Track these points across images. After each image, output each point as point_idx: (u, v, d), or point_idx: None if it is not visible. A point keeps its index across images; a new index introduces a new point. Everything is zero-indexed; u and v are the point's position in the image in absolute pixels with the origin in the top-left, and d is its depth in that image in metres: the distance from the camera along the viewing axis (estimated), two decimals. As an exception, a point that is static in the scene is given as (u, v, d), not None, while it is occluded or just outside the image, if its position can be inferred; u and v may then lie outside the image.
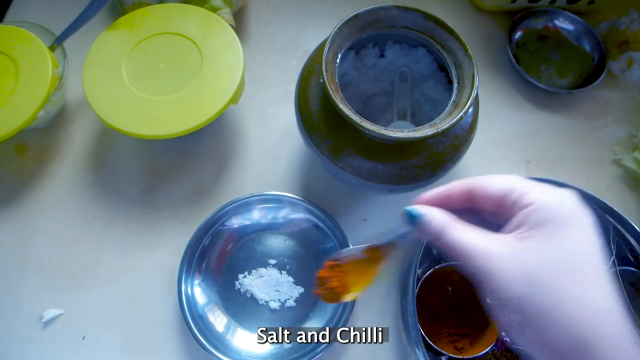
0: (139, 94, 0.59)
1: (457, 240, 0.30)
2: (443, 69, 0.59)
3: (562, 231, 0.28)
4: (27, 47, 0.61)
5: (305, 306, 0.57)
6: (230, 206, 0.58)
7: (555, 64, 0.73)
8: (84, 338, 0.56)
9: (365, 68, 0.61)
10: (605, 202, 0.56)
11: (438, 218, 0.32)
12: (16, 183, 0.64)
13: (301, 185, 0.64)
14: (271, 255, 0.59)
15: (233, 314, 0.56)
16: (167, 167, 0.65)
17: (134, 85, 0.59)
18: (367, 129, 0.46)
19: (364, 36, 0.53)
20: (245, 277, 0.58)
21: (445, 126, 0.46)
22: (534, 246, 0.28)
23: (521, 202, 0.29)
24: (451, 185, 0.33)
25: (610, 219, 0.57)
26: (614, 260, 0.53)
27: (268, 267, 0.58)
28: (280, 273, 0.58)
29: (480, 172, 0.63)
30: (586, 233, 0.28)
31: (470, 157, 0.56)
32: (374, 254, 0.37)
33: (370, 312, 0.57)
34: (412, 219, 0.33)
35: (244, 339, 0.54)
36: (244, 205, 0.59)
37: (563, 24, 0.74)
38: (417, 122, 0.61)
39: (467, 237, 0.30)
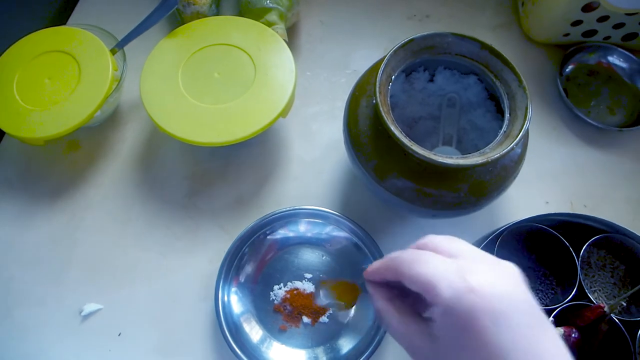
0: (192, 101, 0.61)
1: (387, 328, 0.35)
2: (492, 98, 0.59)
3: (457, 340, 0.30)
4: (90, 49, 0.64)
5: (338, 323, 0.57)
6: (274, 216, 0.59)
7: (605, 100, 0.72)
8: (119, 335, 0.58)
9: (413, 91, 0.62)
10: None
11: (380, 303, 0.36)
12: (67, 178, 0.67)
13: (341, 202, 0.65)
14: (307, 269, 0.59)
15: (266, 325, 0.57)
16: (211, 174, 0.67)
17: (188, 93, 0.61)
18: (417, 153, 0.46)
19: (418, 60, 0.53)
20: (280, 288, 0.58)
21: (495, 156, 0.46)
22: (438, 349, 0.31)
23: (431, 300, 0.31)
24: (383, 268, 0.36)
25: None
26: None
27: (303, 281, 0.58)
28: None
29: (523, 205, 0.64)
30: (479, 340, 0.29)
31: (514, 188, 0.56)
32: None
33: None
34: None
35: (280, 354, 0.55)
36: (288, 217, 0.60)
37: (617, 60, 0.73)
38: (462, 149, 0.61)
39: (393, 326, 0.34)
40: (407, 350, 0.34)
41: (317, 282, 0.57)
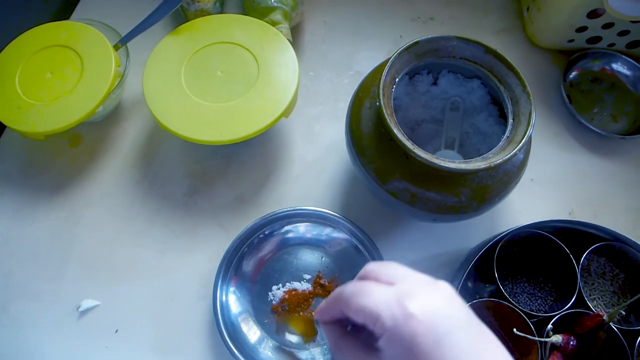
0: (195, 99, 0.60)
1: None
2: (496, 102, 0.58)
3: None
4: (93, 45, 0.64)
5: (336, 325, 0.56)
6: (274, 216, 0.59)
7: (608, 107, 0.72)
8: (116, 331, 0.58)
9: (417, 94, 0.61)
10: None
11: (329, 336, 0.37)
12: (67, 173, 0.66)
13: (341, 204, 0.64)
14: (306, 270, 0.59)
15: (264, 326, 0.56)
16: (212, 172, 0.67)
17: (191, 90, 0.61)
18: (419, 156, 0.46)
19: (422, 63, 0.53)
20: (278, 288, 0.58)
21: (498, 161, 0.45)
22: None
23: (376, 331, 0.32)
24: (330, 306, 0.36)
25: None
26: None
27: (302, 282, 0.58)
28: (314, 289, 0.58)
29: (524, 211, 0.63)
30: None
31: (516, 193, 0.56)
32: None
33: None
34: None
35: (278, 354, 0.55)
36: (288, 217, 0.60)
37: (621, 68, 0.73)
38: (465, 153, 0.61)
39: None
40: None
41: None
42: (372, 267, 0.36)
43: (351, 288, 0.34)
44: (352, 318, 0.34)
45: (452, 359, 0.29)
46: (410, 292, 0.32)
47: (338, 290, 0.35)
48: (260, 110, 0.60)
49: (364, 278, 0.36)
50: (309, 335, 0.49)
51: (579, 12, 0.66)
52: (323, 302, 0.37)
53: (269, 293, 0.58)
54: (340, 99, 0.72)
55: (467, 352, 0.30)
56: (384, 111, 0.48)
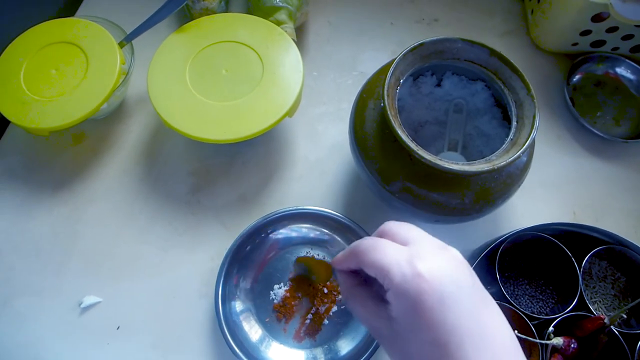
0: (199, 97, 0.61)
1: (352, 311, 0.39)
2: (499, 105, 0.59)
3: (409, 320, 0.33)
4: (98, 41, 0.64)
5: (338, 324, 0.57)
6: (276, 215, 0.59)
7: (611, 111, 0.72)
8: (118, 328, 0.58)
9: (420, 95, 0.62)
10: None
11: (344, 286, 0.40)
12: (70, 170, 0.67)
13: (344, 204, 0.65)
14: (308, 270, 0.59)
15: (265, 325, 0.57)
16: (215, 171, 0.67)
17: (195, 89, 0.61)
18: (423, 158, 0.46)
19: (426, 65, 0.53)
20: (280, 288, 0.58)
21: (502, 163, 0.46)
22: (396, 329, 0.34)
23: (385, 285, 0.34)
24: (347, 257, 0.38)
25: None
26: None
27: (304, 281, 0.58)
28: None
29: (527, 213, 0.63)
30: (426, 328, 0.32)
31: (518, 196, 0.56)
32: None
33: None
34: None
35: (279, 353, 0.55)
36: (290, 217, 0.60)
37: (624, 72, 0.73)
38: (468, 155, 0.61)
39: (356, 309, 0.38)
40: (370, 331, 0.38)
41: (295, 259, 0.60)
42: (389, 226, 0.38)
43: (367, 243, 0.36)
44: (365, 270, 0.36)
45: (452, 318, 0.31)
46: (421, 254, 0.34)
47: (355, 243, 0.37)
48: (264, 110, 0.60)
49: (381, 235, 0.37)
50: (322, 279, 0.51)
51: (583, 15, 0.66)
52: (341, 253, 0.39)
53: (271, 292, 0.58)
54: (344, 100, 0.73)
55: (467, 316, 0.32)
56: (388, 112, 0.48)
